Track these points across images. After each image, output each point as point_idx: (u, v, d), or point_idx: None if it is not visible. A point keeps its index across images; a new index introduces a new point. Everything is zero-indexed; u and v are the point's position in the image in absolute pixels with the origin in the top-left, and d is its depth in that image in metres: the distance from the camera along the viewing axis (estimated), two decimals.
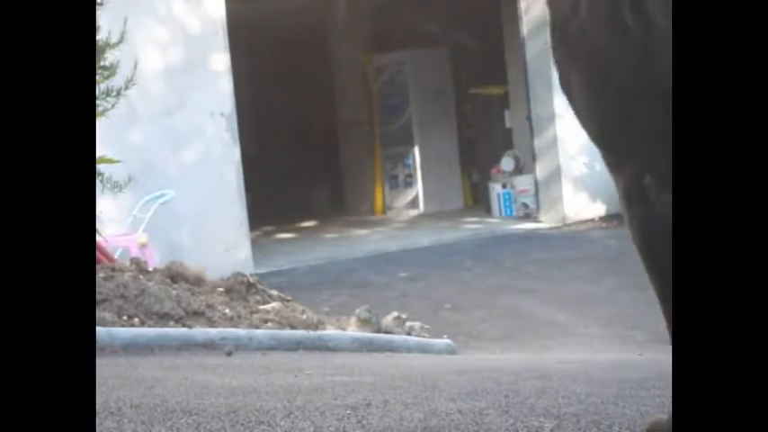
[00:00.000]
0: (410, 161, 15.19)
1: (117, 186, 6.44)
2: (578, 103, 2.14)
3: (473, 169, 15.43)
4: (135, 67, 6.30)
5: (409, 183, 15.26)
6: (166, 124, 10.48)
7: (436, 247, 11.65)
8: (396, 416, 3.09)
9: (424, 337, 6.53)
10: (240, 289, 6.63)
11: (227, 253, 10.43)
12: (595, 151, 2.20)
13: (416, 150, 15.07)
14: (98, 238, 6.23)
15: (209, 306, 6.03)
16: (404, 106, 15.16)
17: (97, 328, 5.00)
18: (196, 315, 5.84)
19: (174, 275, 6.48)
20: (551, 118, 12.30)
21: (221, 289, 6.58)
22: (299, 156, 17.36)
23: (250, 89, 15.99)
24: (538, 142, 12.95)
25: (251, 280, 6.85)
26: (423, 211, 14.96)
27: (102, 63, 6.22)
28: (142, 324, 5.55)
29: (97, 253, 6.57)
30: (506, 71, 14.21)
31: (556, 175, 12.75)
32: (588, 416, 3.00)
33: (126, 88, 6.39)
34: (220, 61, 10.77)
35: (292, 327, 6.05)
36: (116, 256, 7.83)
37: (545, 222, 12.90)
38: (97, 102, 6.17)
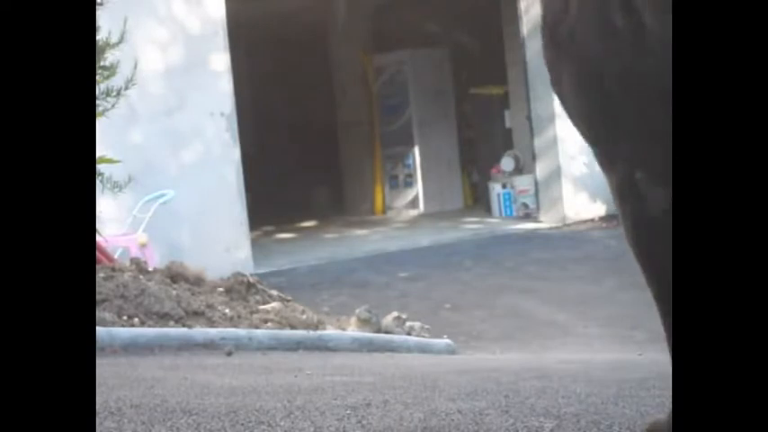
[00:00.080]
0: (410, 161, 15.20)
1: (117, 186, 6.44)
2: (569, 103, 2.15)
3: (473, 169, 15.44)
4: (135, 67, 6.31)
5: (409, 183, 15.26)
6: (166, 124, 10.48)
7: (436, 247, 11.65)
8: (396, 416, 3.09)
9: (424, 337, 6.53)
10: (240, 289, 6.63)
11: (227, 253, 10.43)
12: None
13: (416, 150, 15.08)
14: (98, 238, 6.23)
15: (209, 306, 6.03)
16: (404, 106, 15.17)
17: (97, 328, 5.00)
18: (196, 315, 5.84)
19: (174, 275, 6.48)
20: (551, 118, 12.30)
21: (221, 289, 6.58)
22: (299, 156, 17.36)
23: (250, 89, 15.99)
24: (538, 142, 12.95)
25: (251, 280, 6.85)
26: (423, 211, 14.96)
27: (102, 63, 6.22)
28: (142, 324, 5.55)
29: (97, 253, 6.57)
30: (506, 71, 14.22)
31: (556, 175, 12.76)
32: (588, 416, 3.00)
33: (126, 88, 6.39)
34: (220, 61, 10.77)
35: (292, 327, 6.05)
36: (116, 256, 7.83)
37: (545, 222, 12.90)
38: (97, 102, 6.17)
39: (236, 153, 10.84)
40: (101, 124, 5.76)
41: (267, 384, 3.94)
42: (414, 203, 15.19)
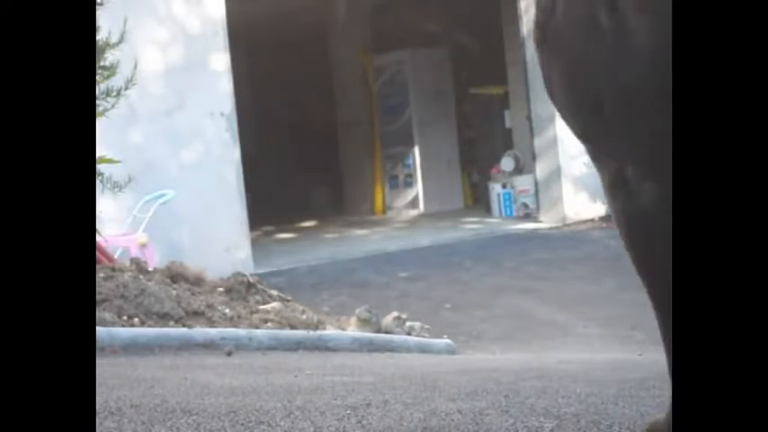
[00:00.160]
0: (410, 161, 15.20)
1: (117, 186, 6.44)
2: (559, 101, 2.17)
3: (473, 169, 15.44)
4: (135, 67, 6.31)
5: (409, 183, 15.26)
6: (166, 124, 10.48)
7: (436, 247, 11.65)
8: (396, 416, 3.09)
9: (424, 337, 6.53)
10: (240, 289, 6.63)
11: (227, 253, 10.43)
12: None
13: (416, 150, 15.08)
14: (98, 238, 6.22)
15: (209, 306, 6.03)
16: (404, 106, 15.17)
17: (97, 328, 5.00)
18: (196, 315, 5.84)
19: (174, 275, 6.48)
20: (551, 118, 12.30)
21: (221, 289, 6.58)
22: (299, 156, 17.36)
23: (250, 89, 16.00)
24: (538, 142, 12.96)
25: (251, 280, 6.85)
26: (423, 211, 14.97)
27: (102, 63, 6.22)
28: (142, 324, 5.55)
29: (97, 253, 6.57)
30: (506, 71, 14.22)
31: (556, 175, 12.76)
32: (588, 416, 3.00)
33: (126, 88, 6.39)
34: (220, 61, 10.77)
35: (292, 327, 6.05)
36: (116, 256, 7.83)
37: (545, 222, 12.90)
38: (97, 102, 6.17)
39: (236, 153, 10.84)
40: (101, 124, 5.76)
41: (267, 384, 3.94)
42: (414, 203, 15.19)
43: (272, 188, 16.08)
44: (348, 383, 3.92)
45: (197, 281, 6.56)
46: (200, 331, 5.50)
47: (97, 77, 6.12)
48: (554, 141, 12.57)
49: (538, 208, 13.23)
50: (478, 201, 15.11)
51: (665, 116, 1.92)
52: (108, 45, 6.29)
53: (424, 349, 6.16)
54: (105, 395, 3.46)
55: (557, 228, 12.53)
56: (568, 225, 12.54)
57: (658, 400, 3.21)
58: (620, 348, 6.40)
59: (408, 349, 6.08)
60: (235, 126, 10.83)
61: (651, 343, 5.54)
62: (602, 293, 8.44)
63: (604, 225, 11.95)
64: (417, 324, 6.72)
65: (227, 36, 10.83)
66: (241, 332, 5.60)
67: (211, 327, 5.70)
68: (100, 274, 5.90)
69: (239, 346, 5.36)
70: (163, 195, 9.51)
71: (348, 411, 3.17)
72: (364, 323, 6.41)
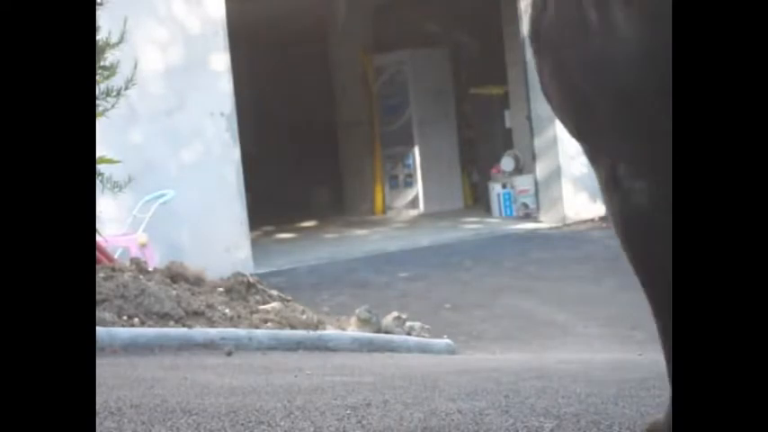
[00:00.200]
0: (410, 161, 15.20)
1: (117, 186, 6.43)
2: (552, 100, 2.17)
3: (473, 169, 15.44)
4: (135, 67, 6.30)
5: (409, 183, 15.26)
6: (166, 124, 10.48)
7: (436, 247, 11.65)
8: (396, 416, 3.09)
9: (424, 337, 6.53)
10: (240, 289, 6.63)
11: (227, 253, 10.43)
12: None
13: (416, 150, 15.08)
14: (98, 238, 6.22)
15: (209, 306, 6.03)
16: (404, 106, 15.17)
17: (97, 328, 4.99)
18: (196, 315, 5.84)
19: (174, 275, 6.48)
20: (551, 118, 12.27)
21: (221, 289, 6.58)
22: (299, 156, 17.36)
23: (250, 89, 15.99)
24: (538, 142, 12.95)
25: (251, 280, 6.85)
26: (423, 211, 14.96)
27: (102, 63, 6.22)
28: (142, 324, 5.55)
29: (97, 253, 6.57)
30: (506, 71, 14.22)
31: (556, 175, 12.75)
32: (588, 416, 3.00)
33: (126, 88, 6.39)
34: (220, 61, 10.77)
35: (292, 327, 6.05)
36: (116, 256, 7.83)
37: (545, 222, 12.90)
38: (97, 102, 6.17)
39: (236, 153, 10.84)
40: (101, 124, 5.75)
41: (267, 384, 3.94)
42: (414, 203, 15.19)
43: (272, 188, 16.08)
44: (348, 383, 3.92)
45: (197, 281, 6.56)
46: (200, 331, 5.50)
47: (97, 77, 6.12)
48: (554, 141, 12.56)
49: (538, 208, 13.23)
50: (478, 201, 15.11)
51: (656, 114, 1.93)
52: (108, 45, 6.28)
53: (424, 349, 6.16)
54: (105, 395, 3.46)
55: (557, 228, 12.53)
56: (568, 225, 12.53)
57: (658, 400, 3.21)
58: (620, 348, 6.40)
59: (408, 349, 6.08)
60: (235, 126, 10.83)
61: (651, 343, 5.53)
62: (602, 293, 8.44)
63: (604, 225, 11.94)
64: (417, 324, 6.72)
65: (227, 36, 10.83)
66: (241, 332, 5.60)
67: (211, 327, 5.70)
68: (100, 274, 5.90)
69: (239, 346, 5.36)
70: (163, 195, 9.51)
71: (348, 411, 3.17)
72: (364, 323, 6.41)
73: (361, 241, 12.77)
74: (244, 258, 10.51)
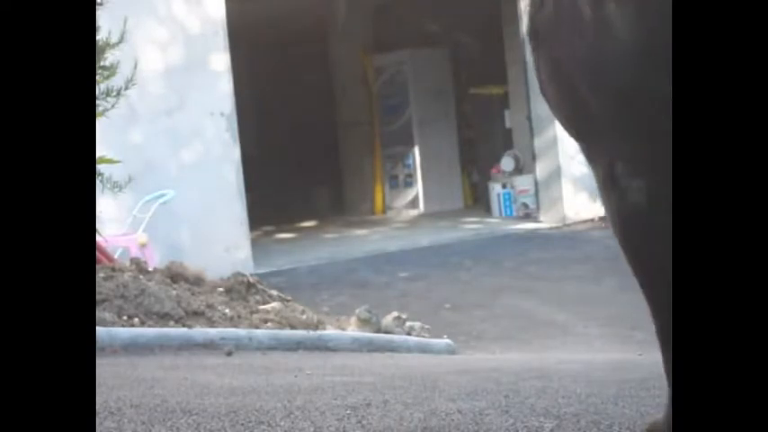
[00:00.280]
0: (410, 161, 15.20)
1: (117, 186, 6.43)
2: (550, 98, 2.17)
3: (473, 169, 15.44)
4: (135, 67, 6.30)
5: (409, 183, 15.26)
6: (166, 124, 10.48)
7: (436, 247, 11.65)
8: (396, 416, 3.09)
9: (424, 337, 6.53)
10: (240, 289, 6.63)
11: (227, 253, 10.43)
12: None
13: (416, 150, 15.08)
14: (98, 238, 6.22)
15: (209, 306, 6.03)
16: (404, 106, 15.17)
17: (97, 328, 4.99)
18: (196, 315, 5.84)
19: (174, 275, 6.48)
20: (551, 118, 12.15)
21: (221, 289, 6.58)
22: (299, 156, 17.36)
23: (250, 89, 15.99)
24: (538, 142, 12.95)
25: (251, 280, 6.85)
26: (423, 211, 14.96)
27: (102, 63, 6.22)
28: (142, 324, 5.55)
29: (97, 253, 6.57)
30: (506, 71, 14.22)
31: (556, 175, 12.75)
32: (588, 416, 3.00)
33: (126, 88, 6.39)
34: (220, 61, 10.77)
35: (292, 327, 6.05)
36: (116, 256, 7.83)
37: (545, 222, 12.90)
38: (97, 102, 6.17)
39: (236, 153, 10.84)
40: (101, 124, 5.76)
41: (267, 384, 3.94)
42: (414, 203, 15.19)
43: (272, 188, 16.08)
44: (348, 383, 3.92)
45: (197, 281, 6.56)
46: (200, 331, 5.50)
47: (97, 77, 6.12)
48: (554, 141, 12.56)
49: (538, 208, 13.23)
50: (478, 201, 15.11)
51: (653, 113, 1.93)
52: (108, 45, 6.28)
53: (424, 349, 6.16)
54: (105, 395, 3.46)
55: (557, 228, 12.53)
56: (568, 225, 12.53)
57: (658, 400, 3.21)
58: (620, 348, 6.40)
59: (408, 349, 6.08)
60: (235, 126, 10.83)
61: (651, 343, 5.52)
62: (602, 293, 8.44)
63: (604, 225, 11.93)
64: (417, 324, 6.72)
65: (227, 36, 10.83)
66: (241, 332, 5.60)
67: (211, 327, 5.70)
68: (100, 274, 5.90)
69: (239, 346, 5.36)
70: (163, 195, 9.51)
71: (348, 411, 3.17)
72: (364, 323, 6.41)
73: (361, 241, 12.77)
74: (244, 258, 10.51)
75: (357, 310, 6.57)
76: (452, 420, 2.99)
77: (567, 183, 12.65)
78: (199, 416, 3.14)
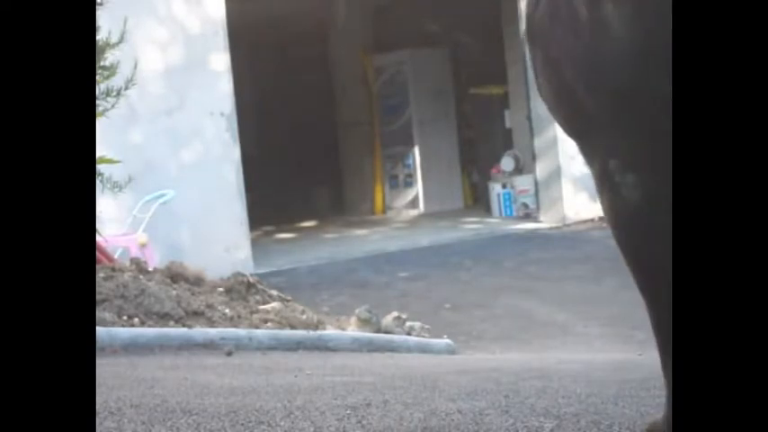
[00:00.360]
0: (410, 161, 15.20)
1: (117, 186, 6.43)
2: (546, 97, 2.17)
3: (473, 169, 15.44)
4: (135, 67, 6.30)
5: (409, 183, 15.26)
6: (166, 124, 10.48)
7: (436, 247, 11.64)
8: (396, 416, 3.09)
9: (424, 337, 6.53)
10: (240, 289, 6.63)
11: (227, 253, 10.43)
12: None
13: (416, 150, 15.08)
14: (98, 238, 6.22)
15: (209, 306, 6.03)
16: (404, 106, 15.17)
17: (97, 328, 4.99)
18: (196, 315, 5.84)
19: (174, 275, 6.48)
20: (551, 118, 12.13)
21: (221, 289, 6.58)
22: (299, 156, 17.36)
23: (250, 89, 15.99)
24: (538, 142, 12.95)
25: (251, 280, 6.85)
26: (423, 211, 14.96)
27: (102, 63, 6.22)
28: (142, 324, 5.55)
29: (97, 253, 6.57)
30: (506, 71, 14.22)
31: (556, 175, 12.75)
32: (588, 416, 3.00)
33: (126, 88, 6.39)
34: (220, 61, 10.77)
35: (292, 327, 6.05)
36: (116, 256, 7.83)
37: (545, 222, 12.90)
38: (97, 102, 6.17)
39: (236, 153, 10.84)
40: (101, 124, 5.75)
41: (267, 384, 3.94)
42: (414, 203, 15.19)
43: (272, 188, 16.08)
44: (348, 383, 3.92)
45: (197, 281, 6.56)
46: (200, 331, 5.50)
47: (97, 77, 6.12)
48: (554, 141, 12.56)
49: (538, 208, 13.23)
50: (478, 201, 15.11)
51: (650, 113, 1.93)
52: (108, 45, 6.28)
53: (424, 349, 6.16)
54: (105, 395, 3.46)
55: (557, 228, 12.53)
56: (568, 225, 12.53)
57: (658, 400, 3.21)
58: (620, 348, 6.39)
59: (408, 349, 6.08)
60: (235, 126, 10.83)
61: (651, 343, 5.52)
62: (602, 293, 8.43)
63: (604, 225, 11.92)
64: (417, 324, 6.71)
65: (227, 36, 10.83)
66: (241, 332, 5.60)
67: (211, 327, 5.70)
68: (100, 274, 5.89)
69: (239, 346, 5.36)
70: (163, 195, 9.51)
71: (348, 411, 3.17)
72: (364, 323, 6.40)
73: (361, 241, 12.77)
74: (244, 258, 10.51)
75: (357, 310, 6.57)
76: (452, 420, 2.99)
77: (567, 183, 12.65)
78: (199, 416, 3.14)
